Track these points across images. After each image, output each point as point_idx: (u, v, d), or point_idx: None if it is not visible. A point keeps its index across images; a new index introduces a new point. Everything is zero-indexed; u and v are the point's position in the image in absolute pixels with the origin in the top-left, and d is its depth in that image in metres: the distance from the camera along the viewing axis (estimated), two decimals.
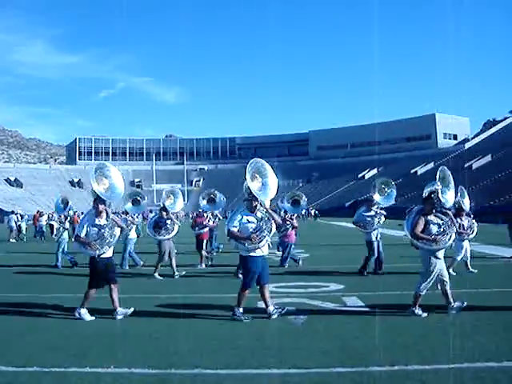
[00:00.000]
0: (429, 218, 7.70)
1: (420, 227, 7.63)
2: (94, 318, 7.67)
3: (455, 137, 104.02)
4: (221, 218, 17.01)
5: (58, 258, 14.83)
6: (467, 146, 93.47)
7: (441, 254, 7.65)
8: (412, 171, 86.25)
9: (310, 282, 10.98)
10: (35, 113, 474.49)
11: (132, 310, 7.83)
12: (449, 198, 7.97)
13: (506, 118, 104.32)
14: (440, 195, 7.74)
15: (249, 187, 7.51)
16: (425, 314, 7.52)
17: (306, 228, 37.72)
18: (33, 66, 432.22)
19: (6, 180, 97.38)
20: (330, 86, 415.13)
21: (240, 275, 9.64)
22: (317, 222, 58.77)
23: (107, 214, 7.79)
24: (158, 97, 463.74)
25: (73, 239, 8.59)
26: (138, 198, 14.67)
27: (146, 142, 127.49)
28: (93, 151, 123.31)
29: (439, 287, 7.79)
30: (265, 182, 7.70)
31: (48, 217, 32.68)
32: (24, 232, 30.67)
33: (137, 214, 19.56)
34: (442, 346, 5.87)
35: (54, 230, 31.01)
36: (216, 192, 15.61)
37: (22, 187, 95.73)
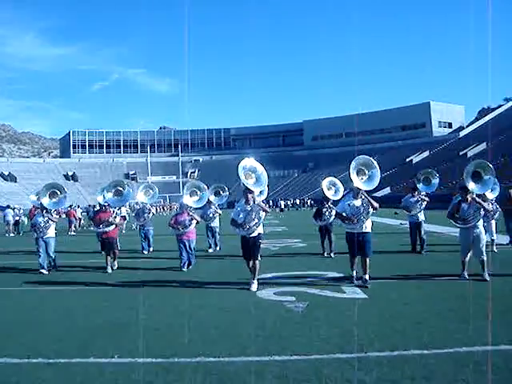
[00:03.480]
0: None
1: None
2: None
3: (450, 125, 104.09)
4: (220, 212, 16.01)
5: None
6: (462, 134, 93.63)
7: None
8: (407, 160, 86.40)
9: (309, 270, 11.07)
10: (28, 106, 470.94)
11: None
12: None
13: (500, 106, 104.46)
14: None
15: (352, 179, 9.47)
16: None
17: (302, 217, 37.84)
18: (25, 58, 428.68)
19: None
20: (323, 76, 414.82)
21: (332, 255, 13.58)
22: (313, 211, 58.81)
23: (254, 200, 9.42)
24: (152, 88, 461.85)
25: (229, 223, 9.58)
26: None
27: (140, 134, 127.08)
28: (87, 144, 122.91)
29: None
30: (371, 173, 9.62)
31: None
32: (25, 225, 30.88)
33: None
34: (440, 332, 5.97)
35: None
36: (125, 183, 13.88)
37: (15, 181, 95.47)
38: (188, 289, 9.44)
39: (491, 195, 12.58)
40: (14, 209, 31.75)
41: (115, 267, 12.55)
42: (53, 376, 4.92)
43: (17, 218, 30.45)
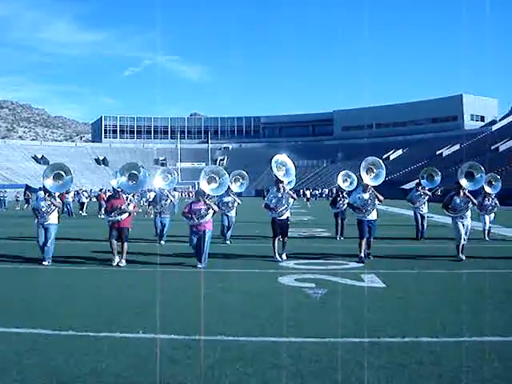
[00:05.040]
0: None
1: None
2: None
3: (482, 118, 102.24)
4: (239, 201, 15.24)
5: None
6: (495, 127, 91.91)
7: None
8: (438, 152, 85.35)
9: (331, 259, 11.30)
10: (61, 91, 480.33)
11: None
12: None
13: None
14: None
15: (361, 177, 11.54)
16: None
17: (329, 207, 37.80)
18: (59, 43, 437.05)
19: (33, 157, 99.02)
20: (355, 66, 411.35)
21: (342, 238, 15.65)
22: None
23: (284, 189, 11.34)
24: (183, 75, 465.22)
25: (263, 206, 11.70)
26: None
27: (170, 120, 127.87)
28: (118, 129, 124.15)
29: None
30: (378, 172, 11.54)
31: (74, 194, 33.55)
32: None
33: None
34: (452, 322, 6.15)
35: (84, 207, 32.12)
36: (140, 167, 12.06)
37: (48, 164, 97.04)
38: (212, 274, 9.75)
39: (490, 190, 14.57)
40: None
41: (123, 264, 10.88)
42: (81, 347, 5.25)
43: None
